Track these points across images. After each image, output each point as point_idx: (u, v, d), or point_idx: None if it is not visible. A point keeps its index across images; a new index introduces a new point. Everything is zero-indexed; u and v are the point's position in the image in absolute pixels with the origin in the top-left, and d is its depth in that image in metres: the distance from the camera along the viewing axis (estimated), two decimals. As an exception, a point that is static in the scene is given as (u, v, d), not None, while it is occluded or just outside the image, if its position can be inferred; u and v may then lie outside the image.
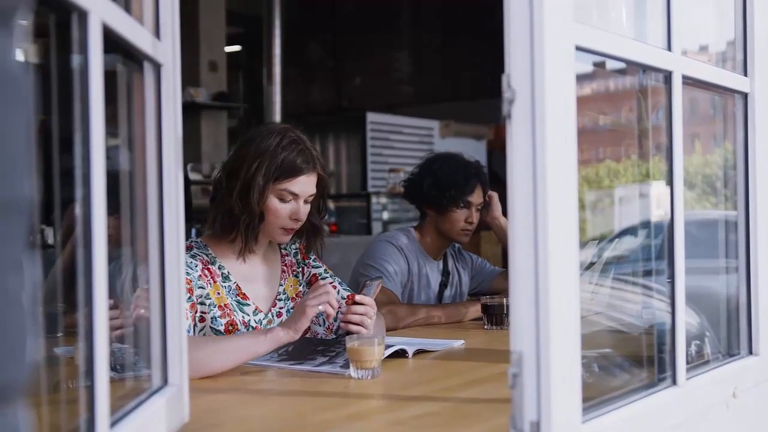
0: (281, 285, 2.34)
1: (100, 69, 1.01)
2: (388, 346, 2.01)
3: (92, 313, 0.99)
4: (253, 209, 2.16)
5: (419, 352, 2.17)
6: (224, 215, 2.20)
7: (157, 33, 1.33)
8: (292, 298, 2.35)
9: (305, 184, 2.21)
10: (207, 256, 2.22)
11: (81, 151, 0.98)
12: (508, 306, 2.64)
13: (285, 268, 2.37)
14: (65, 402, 1.23)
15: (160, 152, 1.34)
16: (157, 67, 1.33)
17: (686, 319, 1.53)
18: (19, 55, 0.59)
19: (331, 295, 2.01)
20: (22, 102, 0.57)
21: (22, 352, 0.57)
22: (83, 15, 0.98)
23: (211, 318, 2.15)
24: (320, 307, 1.98)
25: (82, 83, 0.99)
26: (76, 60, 0.99)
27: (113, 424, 1.07)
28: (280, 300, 2.33)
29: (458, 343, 2.33)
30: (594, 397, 1.30)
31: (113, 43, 1.10)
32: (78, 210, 0.99)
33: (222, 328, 2.15)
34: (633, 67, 1.59)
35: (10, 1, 0.57)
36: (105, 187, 1.01)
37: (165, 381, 1.35)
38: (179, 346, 1.37)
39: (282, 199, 2.19)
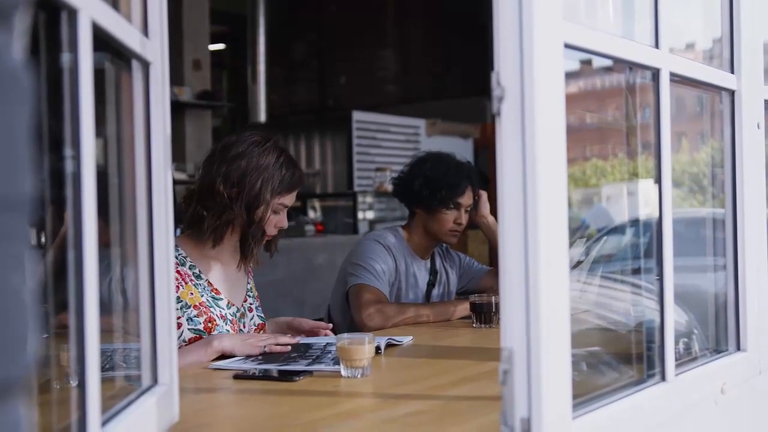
0: (249, 283, 2.44)
1: (90, 67, 1.00)
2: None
3: (83, 313, 0.98)
4: (261, 224, 2.24)
5: (389, 346, 2.21)
6: (225, 225, 2.24)
7: (145, 31, 1.33)
8: (257, 296, 2.46)
9: (294, 196, 2.33)
10: (176, 257, 2.22)
11: (71, 151, 0.97)
12: (496, 304, 2.66)
13: (249, 268, 2.45)
14: (52, 402, 1.22)
15: (148, 151, 1.34)
16: (145, 65, 1.32)
17: (674, 317, 1.54)
18: (19, 53, 0.59)
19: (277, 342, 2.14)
20: (23, 99, 0.57)
21: (23, 348, 0.57)
22: (73, 13, 0.97)
23: (187, 319, 2.16)
24: (265, 349, 2.11)
25: (71, 82, 0.98)
26: (65, 58, 0.99)
27: (104, 423, 1.06)
28: (249, 296, 2.41)
29: (407, 339, 2.36)
30: (584, 394, 1.31)
31: (101, 41, 1.09)
32: (68, 210, 0.99)
33: (201, 326, 2.17)
34: (619, 65, 1.59)
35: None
36: (95, 187, 1.00)
37: (155, 380, 1.35)
38: (169, 346, 1.37)
39: (276, 212, 2.28)
